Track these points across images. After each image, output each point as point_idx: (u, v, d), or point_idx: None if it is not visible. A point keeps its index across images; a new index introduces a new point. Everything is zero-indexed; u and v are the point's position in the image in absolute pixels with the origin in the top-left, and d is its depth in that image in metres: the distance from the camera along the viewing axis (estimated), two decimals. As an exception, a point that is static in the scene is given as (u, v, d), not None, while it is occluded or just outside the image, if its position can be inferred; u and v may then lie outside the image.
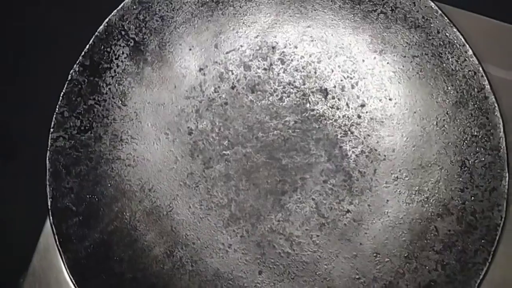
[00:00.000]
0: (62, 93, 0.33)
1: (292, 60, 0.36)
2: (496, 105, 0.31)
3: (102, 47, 0.33)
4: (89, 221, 0.33)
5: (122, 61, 0.34)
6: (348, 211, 0.35)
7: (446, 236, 0.32)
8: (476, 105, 0.32)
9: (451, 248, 0.32)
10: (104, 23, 0.33)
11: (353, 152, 0.35)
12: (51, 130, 0.33)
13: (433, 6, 0.32)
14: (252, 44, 0.36)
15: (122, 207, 0.34)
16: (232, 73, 0.36)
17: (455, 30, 0.32)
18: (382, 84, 0.35)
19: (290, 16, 0.35)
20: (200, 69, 0.36)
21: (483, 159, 0.32)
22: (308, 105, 0.36)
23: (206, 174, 0.35)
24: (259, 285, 0.34)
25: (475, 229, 0.32)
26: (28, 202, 0.40)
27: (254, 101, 0.36)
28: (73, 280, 0.31)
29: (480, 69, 0.32)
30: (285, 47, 0.35)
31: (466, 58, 0.32)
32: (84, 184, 0.33)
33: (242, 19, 0.35)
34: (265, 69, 0.36)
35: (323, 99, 0.36)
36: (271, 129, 0.36)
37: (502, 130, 0.31)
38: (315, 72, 0.36)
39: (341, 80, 0.35)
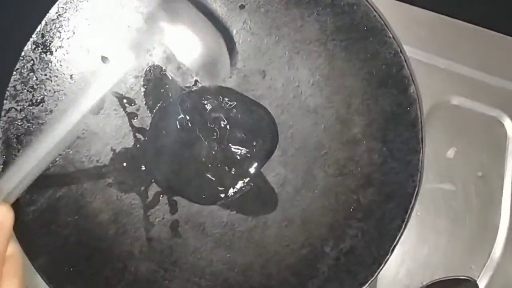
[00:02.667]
0: (15, 68, 0.36)
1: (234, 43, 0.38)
2: (413, 84, 0.34)
3: (54, 27, 0.36)
4: (37, 187, 0.35)
5: (73, 40, 0.37)
6: (283, 183, 0.37)
7: (367, 205, 0.35)
8: (395, 85, 0.35)
9: (371, 216, 0.34)
10: (55, 5, 0.36)
11: (288, 129, 0.38)
12: (4, 102, 0.35)
13: (357, -6, 0.35)
14: (197, 28, 0.38)
15: (70, 175, 0.36)
16: (178, 55, 0.39)
17: (376, 15, 0.35)
18: (314, 66, 0.37)
19: (231, 2, 0.38)
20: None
21: (401, 134, 0.34)
22: (248, 85, 0.38)
23: (152, 147, 0.38)
24: (196, 251, 0.37)
25: (392, 199, 0.34)
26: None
27: (199, 81, 0.39)
28: (19, 240, 0.34)
29: (399, 51, 0.34)
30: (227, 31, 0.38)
31: (387, 41, 0.35)
32: (34, 153, 0.36)
33: (187, 4, 0.38)
34: (208, 51, 0.39)
35: (261, 79, 0.38)
36: (214, 106, 0.39)
37: (418, 108, 0.34)
38: (255, 55, 0.38)
39: (278, 63, 0.38)
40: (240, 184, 0.37)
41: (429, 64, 0.39)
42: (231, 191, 0.37)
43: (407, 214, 0.33)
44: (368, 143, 0.36)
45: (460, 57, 0.39)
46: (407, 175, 0.34)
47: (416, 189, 0.33)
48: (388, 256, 0.33)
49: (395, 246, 0.33)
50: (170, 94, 0.38)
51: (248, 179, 0.37)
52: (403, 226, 0.33)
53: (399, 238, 0.33)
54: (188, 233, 0.37)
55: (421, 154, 0.34)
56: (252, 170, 0.37)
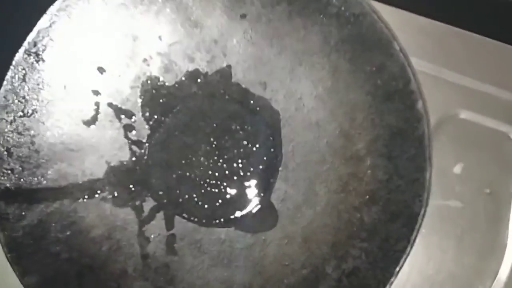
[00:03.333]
0: (6, 78, 0.34)
1: (233, 53, 0.37)
2: (420, 99, 0.33)
3: (47, 35, 0.35)
4: (28, 202, 0.34)
5: (67, 49, 0.35)
6: (283, 199, 0.36)
7: (371, 225, 0.33)
8: (402, 99, 0.33)
9: (375, 236, 0.33)
10: (47, 12, 0.34)
11: (289, 143, 0.36)
12: (-6, 113, 0.34)
13: (363, 4, 0.34)
14: (195, 37, 0.37)
15: (62, 190, 0.35)
16: (176, 65, 0.37)
17: (383, 26, 0.33)
18: (317, 78, 0.36)
19: (232, 10, 0.36)
20: (144, 60, 0.37)
21: (407, 151, 0.33)
22: (248, 96, 0.37)
23: (148, 161, 0.37)
24: (193, 269, 0.35)
25: (398, 219, 0.33)
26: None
27: (197, 92, 0.37)
28: (8, 257, 0.33)
29: (407, 64, 0.33)
30: (227, 40, 0.37)
31: (393, 54, 0.33)
32: (25, 166, 0.34)
33: (185, 13, 0.37)
34: (207, 61, 0.37)
35: (262, 91, 0.37)
36: (212, 120, 0.37)
37: (425, 124, 0.33)
38: (255, 66, 0.37)
39: (279, 74, 0.36)
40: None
41: (436, 76, 0.38)
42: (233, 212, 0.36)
43: (414, 235, 0.32)
44: (373, 160, 0.34)
45: (468, 70, 0.38)
46: (414, 193, 0.32)
47: (423, 209, 0.32)
48: (393, 279, 0.31)
49: (400, 268, 0.32)
50: (168, 105, 0.37)
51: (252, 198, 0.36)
52: (409, 247, 0.32)
53: (405, 259, 0.32)
54: (184, 250, 0.35)
55: (428, 172, 0.32)
56: (255, 188, 0.36)
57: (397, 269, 0.32)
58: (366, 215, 0.34)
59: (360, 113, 0.35)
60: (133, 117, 0.37)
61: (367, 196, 0.34)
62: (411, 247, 0.32)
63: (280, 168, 0.36)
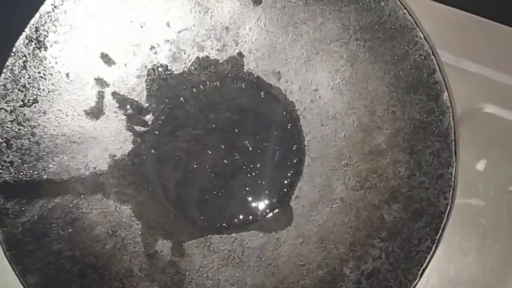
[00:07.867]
0: (6, 65, 0.32)
1: (245, 41, 0.35)
2: (446, 91, 0.31)
3: (49, 20, 0.33)
4: (28, 196, 0.32)
5: (70, 35, 0.34)
6: (298, 196, 0.34)
7: (392, 223, 0.32)
8: (425, 91, 0.31)
9: (396, 236, 0.31)
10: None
11: (305, 137, 0.35)
12: (-7, 102, 0.32)
13: (385, -11, 0.32)
14: (206, 24, 0.35)
15: (64, 184, 0.33)
16: (185, 53, 0.35)
17: (406, 13, 0.31)
18: (335, 68, 0.34)
19: (245, -4, 0.35)
20: (152, 48, 0.35)
21: (431, 145, 0.31)
22: (261, 87, 0.35)
23: (155, 154, 0.35)
24: (202, 269, 0.33)
25: (421, 217, 0.31)
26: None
27: (207, 82, 0.35)
28: (7, 255, 0.31)
29: (431, 53, 0.31)
30: (238, 28, 0.35)
31: (417, 42, 0.31)
32: (25, 159, 0.33)
33: (196, -2, 0.35)
34: (218, 50, 0.35)
35: (276, 82, 0.35)
36: (222, 111, 0.35)
37: (451, 116, 0.31)
38: (269, 55, 0.35)
39: (294, 64, 0.35)
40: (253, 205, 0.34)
41: (459, 68, 0.36)
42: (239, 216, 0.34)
43: (438, 235, 0.30)
44: (394, 154, 0.32)
45: (493, 61, 0.36)
46: (438, 191, 0.31)
47: (449, 207, 0.30)
48: (416, 281, 0.30)
49: (424, 270, 0.30)
50: (176, 96, 0.35)
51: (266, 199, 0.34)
52: (434, 248, 0.30)
53: (429, 261, 0.30)
54: (193, 249, 0.34)
55: (454, 168, 0.30)
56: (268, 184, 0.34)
57: (421, 270, 0.30)
58: (386, 214, 0.32)
59: (380, 106, 0.33)
60: (139, 108, 0.35)
61: (388, 194, 0.32)
62: (436, 248, 0.30)
63: (294, 163, 0.34)
